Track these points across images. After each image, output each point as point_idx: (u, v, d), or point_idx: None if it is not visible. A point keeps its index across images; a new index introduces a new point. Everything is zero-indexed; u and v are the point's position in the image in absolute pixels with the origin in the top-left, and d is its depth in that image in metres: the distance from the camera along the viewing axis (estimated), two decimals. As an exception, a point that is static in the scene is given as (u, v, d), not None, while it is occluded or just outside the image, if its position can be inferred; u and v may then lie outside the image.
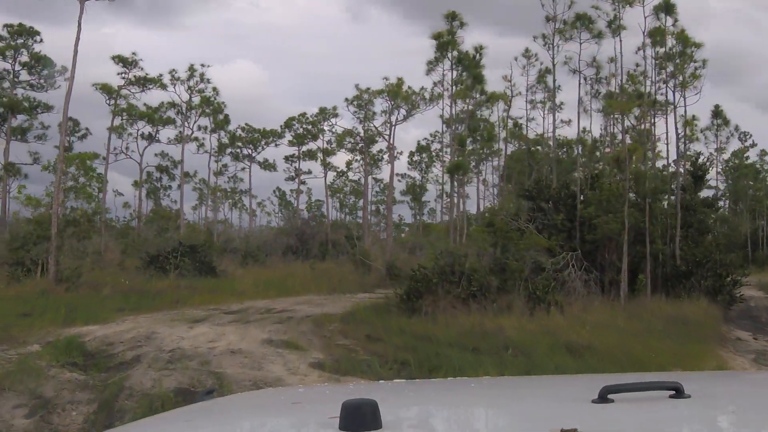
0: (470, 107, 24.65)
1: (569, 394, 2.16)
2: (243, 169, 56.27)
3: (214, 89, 43.28)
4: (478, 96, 24.64)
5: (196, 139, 46.56)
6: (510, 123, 37.65)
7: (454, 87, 22.01)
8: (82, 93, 74.84)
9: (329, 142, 60.63)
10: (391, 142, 43.38)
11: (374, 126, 44.79)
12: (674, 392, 1.84)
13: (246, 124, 57.27)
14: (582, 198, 25.63)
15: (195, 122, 44.12)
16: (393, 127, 40.64)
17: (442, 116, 49.11)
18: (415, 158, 66.35)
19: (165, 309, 18.99)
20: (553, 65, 27.59)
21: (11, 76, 42.37)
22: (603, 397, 1.79)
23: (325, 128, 61.63)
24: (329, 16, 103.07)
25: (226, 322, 16.65)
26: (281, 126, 59.97)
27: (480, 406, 2.13)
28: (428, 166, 66.75)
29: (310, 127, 61.19)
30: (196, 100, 42.84)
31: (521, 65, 33.13)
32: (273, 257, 43.59)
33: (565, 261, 22.94)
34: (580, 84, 27.51)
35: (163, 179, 59.40)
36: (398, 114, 40.96)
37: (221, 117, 46.30)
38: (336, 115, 48.65)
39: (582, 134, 31.68)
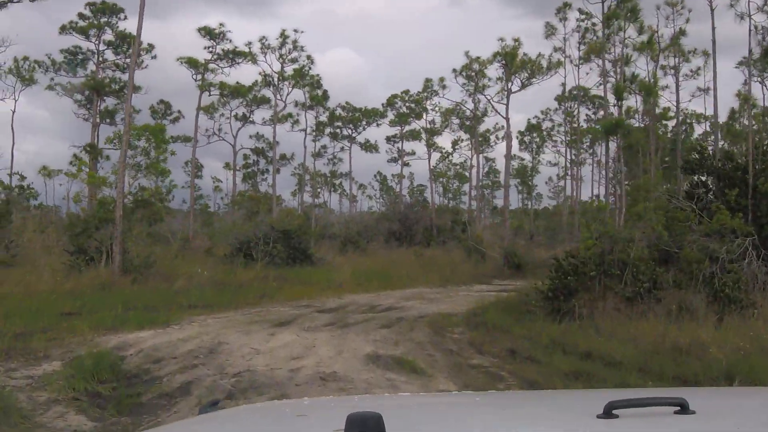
0: (627, 45, 19.89)
1: (574, 409, 2.16)
2: (342, 149, 52.82)
3: (309, 58, 39.42)
4: (632, 37, 19.90)
5: (290, 115, 43.29)
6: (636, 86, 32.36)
7: (606, 25, 17.43)
8: (174, 81, 73.72)
9: (432, 121, 56.65)
10: (506, 115, 38.83)
11: (486, 96, 40.31)
12: (679, 408, 1.79)
13: (346, 102, 53.99)
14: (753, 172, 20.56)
15: (288, 94, 40.44)
16: (508, 97, 35.99)
17: (563, 84, 44.41)
18: (526, 138, 61.56)
19: (246, 306, 15.47)
20: (711, 11, 22.50)
21: (96, 56, 40.30)
22: (608, 413, 1.75)
23: (429, 107, 57.90)
24: (426, 1, 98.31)
25: (319, 326, 12.90)
26: (383, 104, 56.45)
27: (485, 421, 2.04)
28: (539, 146, 61.44)
29: (413, 105, 57.49)
30: (290, 71, 39.20)
31: (664, 15, 27.91)
32: (374, 244, 40.30)
33: (742, 248, 18.10)
34: (750, 32, 22.28)
35: (260, 162, 57.02)
36: (512, 83, 36.28)
37: (319, 93, 42.79)
38: (444, 87, 44.11)
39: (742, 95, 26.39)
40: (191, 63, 35.85)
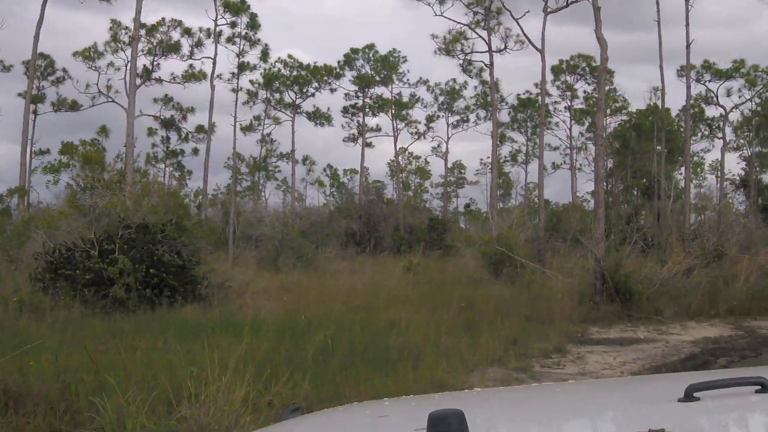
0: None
1: (654, 394, 2.11)
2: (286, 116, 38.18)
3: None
4: None
5: (219, 76, 28.90)
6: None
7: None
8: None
9: (398, 94, 42.64)
10: (542, 45, 24.68)
11: (514, 16, 26.19)
12: (760, 387, 1.74)
13: (289, 55, 39.49)
14: None
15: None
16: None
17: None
18: (519, 115, 47.88)
19: None
20: None
21: None
22: (689, 396, 1.73)
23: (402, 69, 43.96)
24: (384, 4, 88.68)
25: None
26: (339, 62, 42.04)
27: (566, 411, 2.03)
28: (534, 128, 46.87)
29: (379, 65, 43.28)
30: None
31: None
32: (328, 250, 26.98)
33: None
34: None
35: (170, 139, 41.76)
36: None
37: (255, 36, 28.19)
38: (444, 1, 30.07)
39: None
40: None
